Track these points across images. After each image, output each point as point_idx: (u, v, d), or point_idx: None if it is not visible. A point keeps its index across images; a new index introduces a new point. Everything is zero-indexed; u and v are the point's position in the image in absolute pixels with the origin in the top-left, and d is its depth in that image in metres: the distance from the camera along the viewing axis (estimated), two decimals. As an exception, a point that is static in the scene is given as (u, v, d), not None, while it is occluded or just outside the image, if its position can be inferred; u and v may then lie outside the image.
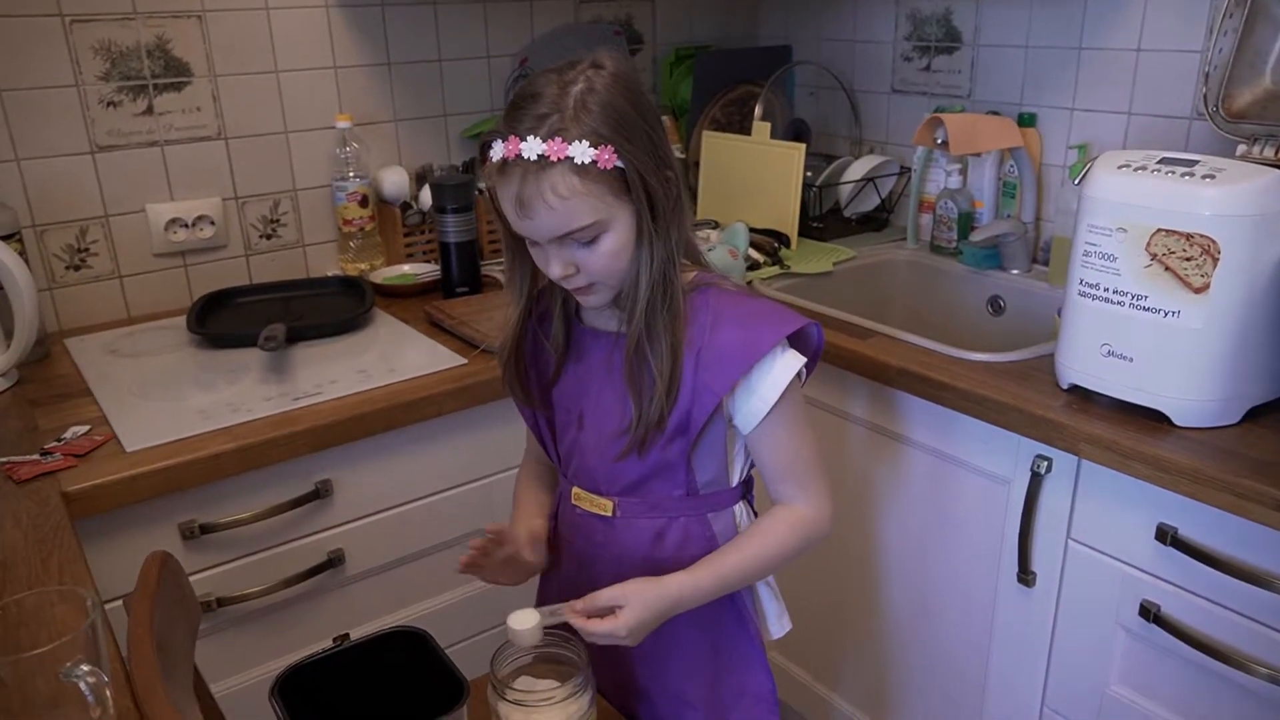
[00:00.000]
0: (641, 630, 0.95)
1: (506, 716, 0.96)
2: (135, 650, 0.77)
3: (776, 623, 1.12)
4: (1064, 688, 1.31)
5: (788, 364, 0.96)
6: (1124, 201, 1.14)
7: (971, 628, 1.42)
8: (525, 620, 0.93)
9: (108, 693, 0.66)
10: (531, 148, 0.85)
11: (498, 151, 0.88)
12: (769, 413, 0.97)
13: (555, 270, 0.93)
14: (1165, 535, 1.13)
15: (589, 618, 0.94)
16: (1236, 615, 1.10)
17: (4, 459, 1.16)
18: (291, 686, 0.88)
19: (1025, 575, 1.31)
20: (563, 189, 0.86)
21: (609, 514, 1.04)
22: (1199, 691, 1.15)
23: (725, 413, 0.99)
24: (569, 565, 1.12)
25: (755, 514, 1.09)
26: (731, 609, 1.05)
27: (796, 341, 1.00)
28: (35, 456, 1.17)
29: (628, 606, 0.93)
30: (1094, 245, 1.17)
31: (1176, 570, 1.14)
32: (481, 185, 1.87)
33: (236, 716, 1.17)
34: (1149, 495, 1.14)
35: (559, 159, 0.85)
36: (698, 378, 0.95)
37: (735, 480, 1.05)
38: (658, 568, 1.00)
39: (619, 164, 0.87)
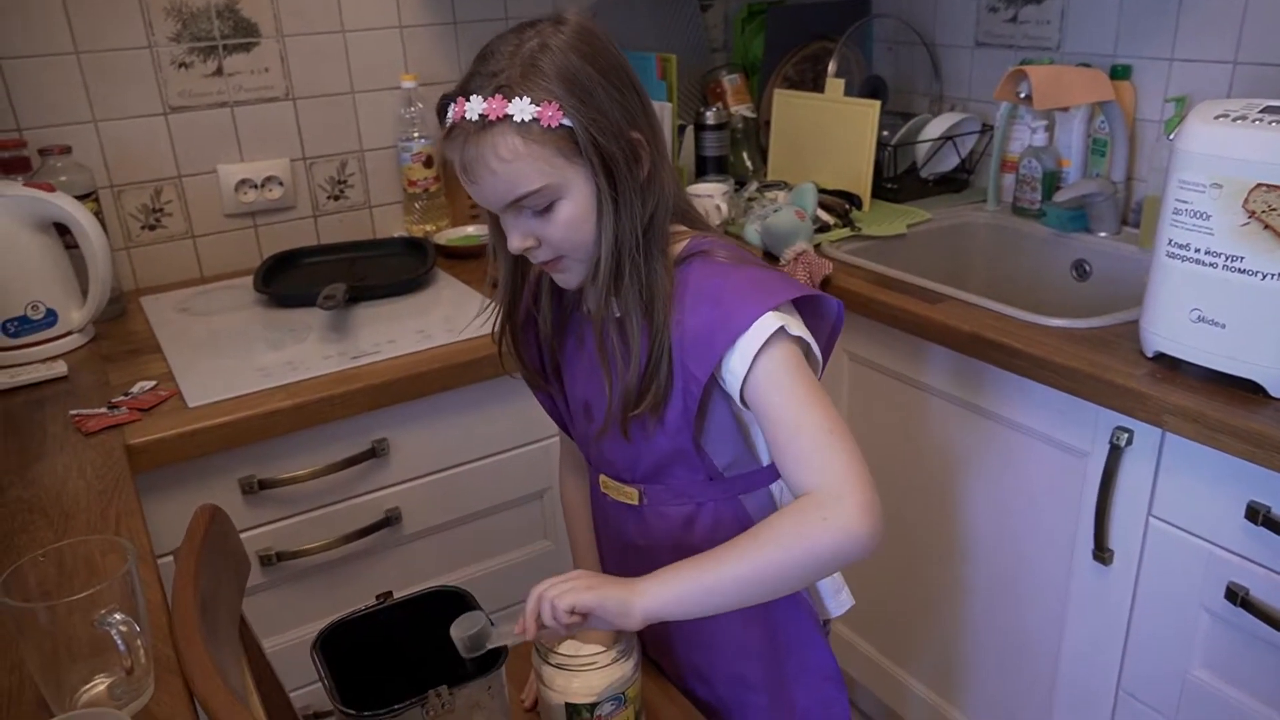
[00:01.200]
0: (591, 587, 0.84)
1: (550, 680, 0.95)
2: (178, 601, 0.78)
3: (834, 599, 1.07)
4: (1141, 670, 1.24)
5: (762, 327, 0.84)
6: (1220, 154, 1.05)
7: (1045, 606, 1.36)
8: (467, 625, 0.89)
9: (139, 643, 0.67)
10: (474, 107, 0.80)
11: (450, 115, 0.83)
12: (746, 384, 0.86)
13: (515, 242, 0.86)
14: (1256, 515, 1.05)
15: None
16: (1333, 602, 1.02)
17: (74, 412, 1.19)
18: (333, 642, 0.88)
19: (1102, 553, 1.24)
20: (504, 150, 0.80)
21: (636, 502, 1.01)
22: (1289, 681, 1.08)
23: (726, 392, 0.91)
24: (607, 553, 1.10)
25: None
26: None
27: (811, 317, 0.92)
28: (103, 410, 1.20)
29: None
30: (1185, 203, 1.09)
31: (1268, 552, 1.06)
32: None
33: (295, 670, 1.20)
34: (1239, 471, 1.06)
35: (498, 118, 0.79)
36: (683, 362, 0.88)
37: (767, 459, 0.97)
38: (689, 555, 0.92)
39: (565, 122, 0.80)
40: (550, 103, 0.80)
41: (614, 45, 0.86)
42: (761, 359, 0.85)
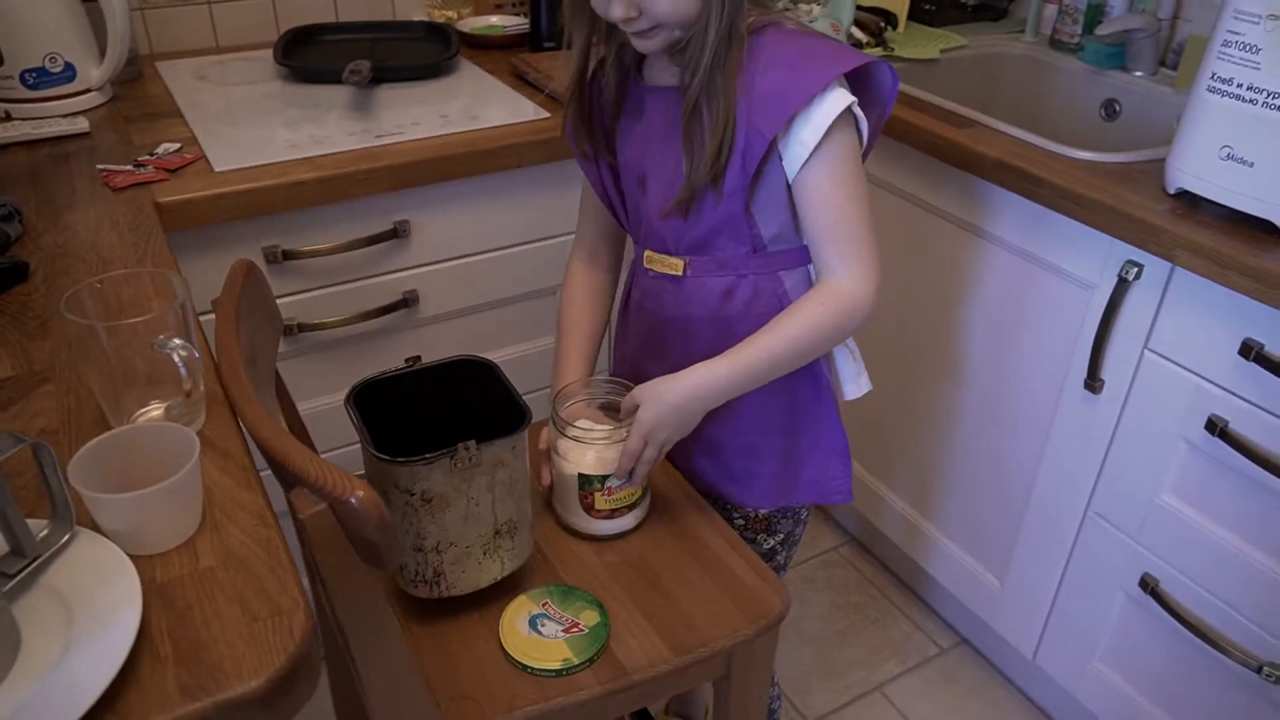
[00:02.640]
0: (664, 424, 0.96)
1: (565, 452, 1.01)
2: (222, 341, 0.81)
3: (853, 383, 1.11)
4: (1112, 492, 1.32)
5: (834, 103, 0.90)
6: (1281, -16, 1.02)
7: (1029, 430, 1.42)
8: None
9: (200, 367, 0.71)
10: None
11: None
12: (809, 158, 0.92)
13: (617, 11, 0.88)
14: (1250, 351, 1.10)
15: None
16: (1307, 436, 1.08)
17: (101, 167, 1.20)
18: (363, 399, 0.93)
19: (1094, 382, 1.29)
20: None
21: (679, 274, 1.04)
22: (1253, 507, 1.15)
23: (781, 161, 0.95)
24: (639, 329, 1.13)
25: None
26: (806, 367, 1.04)
27: (864, 93, 0.95)
28: (129, 167, 1.20)
29: (642, 404, 0.96)
30: (1237, 35, 1.07)
31: (1254, 388, 1.11)
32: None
33: (315, 438, 1.26)
34: (1241, 308, 1.09)
35: None
36: (750, 121, 0.91)
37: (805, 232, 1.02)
38: (726, 325, 1.01)
39: None
40: None
41: None
42: (829, 139, 0.90)
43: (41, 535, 0.62)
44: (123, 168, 1.20)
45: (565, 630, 0.91)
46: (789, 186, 0.96)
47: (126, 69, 1.43)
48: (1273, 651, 1.15)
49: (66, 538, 0.62)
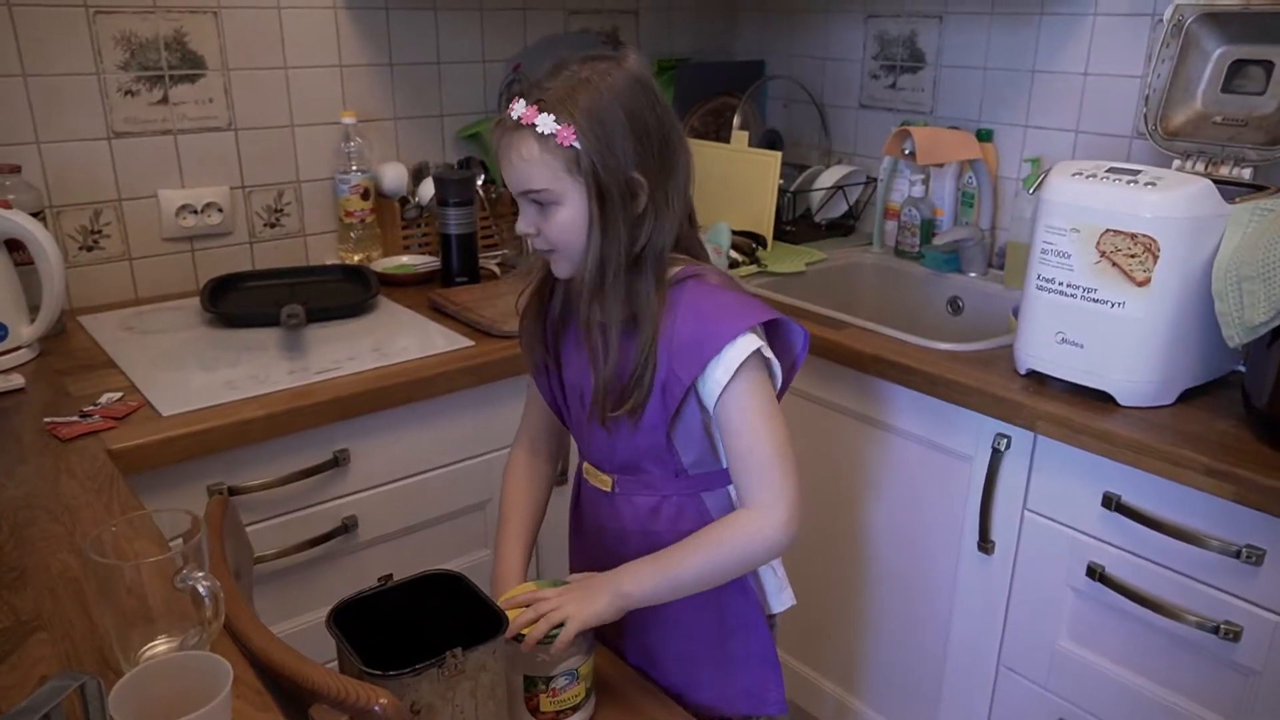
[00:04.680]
0: (564, 600, 1.02)
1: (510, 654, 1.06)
2: (214, 573, 0.85)
3: (775, 597, 1.19)
4: (1018, 646, 1.45)
5: (743, 346, 1.00)
6: (1077, 204, 1.28)
7: (936, 596, 1.55)
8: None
9: (221, 595, 0.75)
10: (517, 109, 0.98)
11: (507, 106, 1.00)
12: (721, 394, 1.01)
13: (521, 225, 1.03)
14: (1111, 502, 1.28)
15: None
16: (1171, 571, 1.24)
17: (48, 419, 1.23)
18: (341, 619, 0.97)
19: (985, 544, 1.44)
20: (524, 150, 0.97)
21: (609, 489, 1.14)
22: (1137, 642, 1.30)
23: (699, 398, 1.05)
24: (583, 531, 1.22)
25: None
26: (736, 581, 1.10)
27: (776, 344, 1.07)
28: (75, 418, 1.24)
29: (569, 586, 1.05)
30: (1050, 244, 1.32)
31: (1120, 534, 1.29)
32: (477, 182, 1.97)
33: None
34: (1097, 467, 1.28)
35: (528, 123, 0.96)
36: (669, 365, 1.02)
37: (725, 461, 1.10)
38: (654, 539, 1.10)
39: (575, 145, 0.95)
40: (569, 126, 0.96)
41: (659, 98, 1.01)
42: (739, 377, 1.01)
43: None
44: (69, 419, 1.23)
45: None
46: (706, 419, 1.06)
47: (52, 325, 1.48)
48: (1182, 775, 1.27)
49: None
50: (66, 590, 0.88)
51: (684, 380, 1.02)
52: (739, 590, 1.13)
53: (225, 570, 0.87)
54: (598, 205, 0.98)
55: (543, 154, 0.97)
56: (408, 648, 0.95)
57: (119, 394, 1.32)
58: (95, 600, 0.77)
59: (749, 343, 1.00)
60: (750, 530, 1.03)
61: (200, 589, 0.73)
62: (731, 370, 1.00)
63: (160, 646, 0.78)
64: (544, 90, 0.97)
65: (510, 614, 1.01)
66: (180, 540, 0.78)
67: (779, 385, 1.08)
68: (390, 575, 1.04)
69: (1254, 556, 1.15)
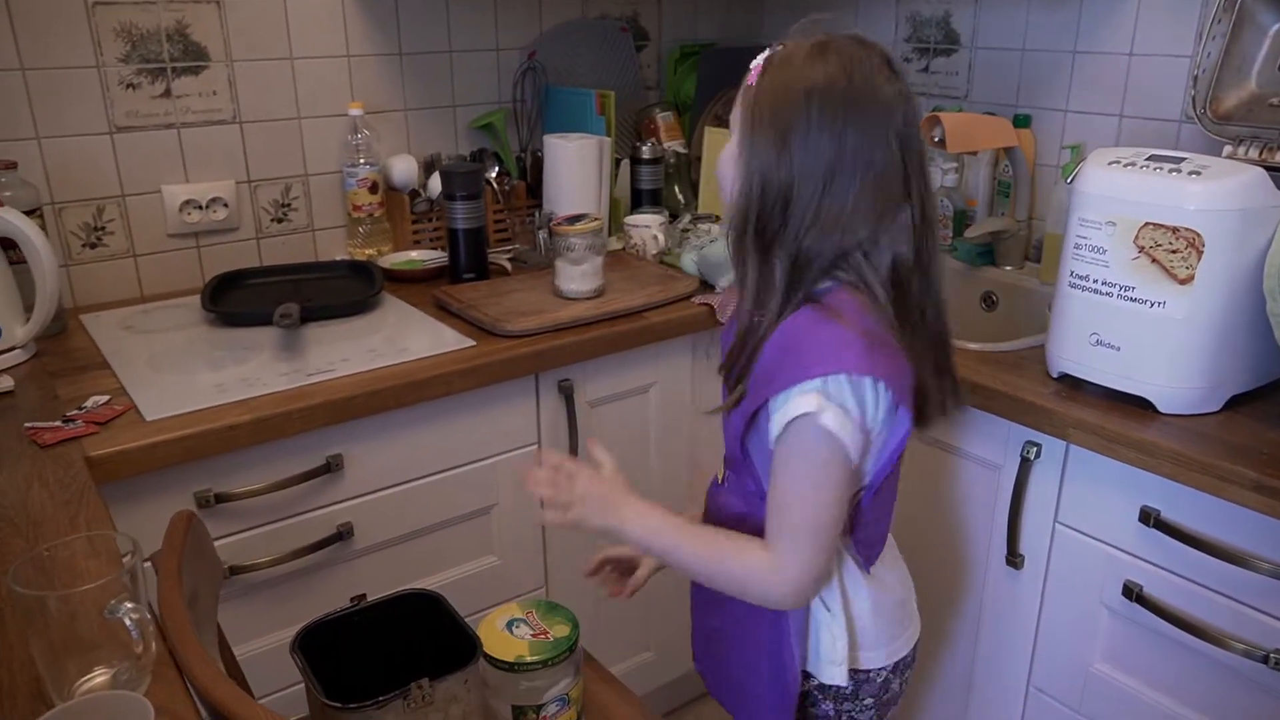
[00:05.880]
0: (597, 512, 0.98)
1: (497, 685, 1.01)
2: (165, 601, 0.81)
3: (828, 668, 1.05)
4: (1049, 667, 1.36)
5: (796, 405, 0.89)
6: (1114, 196, 1.18)
7: (963, 611, 1.47)
8: None
9: (151, 629, 0.70)
10: (758, 59, 0.95)
11: None
12: (777, 441, 0.92)
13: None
14: (1149, 517, 1.18)
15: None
16: (1215, 594, 1.14)
17: (28, 424, 1.20)
18: (310, 642, 0.92)
19: (1014, 558, 1.35)
20: (747, 83, 0.94)
21: (720, 480, 1.10)
22: (1178, 668, 1.20)
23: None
24: (705, 516, 1.14)
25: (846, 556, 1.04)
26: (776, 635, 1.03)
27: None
28: (57, 423, 1.20)
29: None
30: (1085, 238, 1.22)
31: (1159, 551, 1.19)
32: (489, 175, 1.91)
33: (252, 683, 1.21)
34: (1134, 479, 1.18)
35: (753, 78, 0.93)
36: (753, 379, 0.95)
37: None
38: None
39: (752, 99, 0.92)
40: (761, 103, 0.90)
41: (868, 121, 0.90)
42: (787, 435, 0.91)
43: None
44: (50, 424, 1.20)
45: (534, 635, 1.04)
46: None
47: (50, 324, 1.45)
48: (1226, 814, 1.17)
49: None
50: (13, 614, 0.83)
51: (751, 405, 0.94)
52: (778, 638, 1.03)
53: (178, 595, 0.82)
54: (745, 157, 0.92)
55: (745, 96, 0.94)
56: (380, 672, 0.89)
57: (106, 397, 1.28)
58: (25, 632, 0.72)
59: (802, 404, 0.88)
60: (756, 569, 0.94)
61: (127, 622, 0.68)
62: (781, 426, 0.90)
63: (99, 678, 0.73)
64: (772, 61, 0.94)
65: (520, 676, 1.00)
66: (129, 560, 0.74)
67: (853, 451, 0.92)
68: (364, 595, 0.98)
69: (1307, 582, 1.05)
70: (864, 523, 1.00)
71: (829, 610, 1.02)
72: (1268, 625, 1.10)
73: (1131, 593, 1.21)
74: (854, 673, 1.05)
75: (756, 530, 0.97)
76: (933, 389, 0.98)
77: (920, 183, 0.93)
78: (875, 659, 1.06)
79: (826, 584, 1.01)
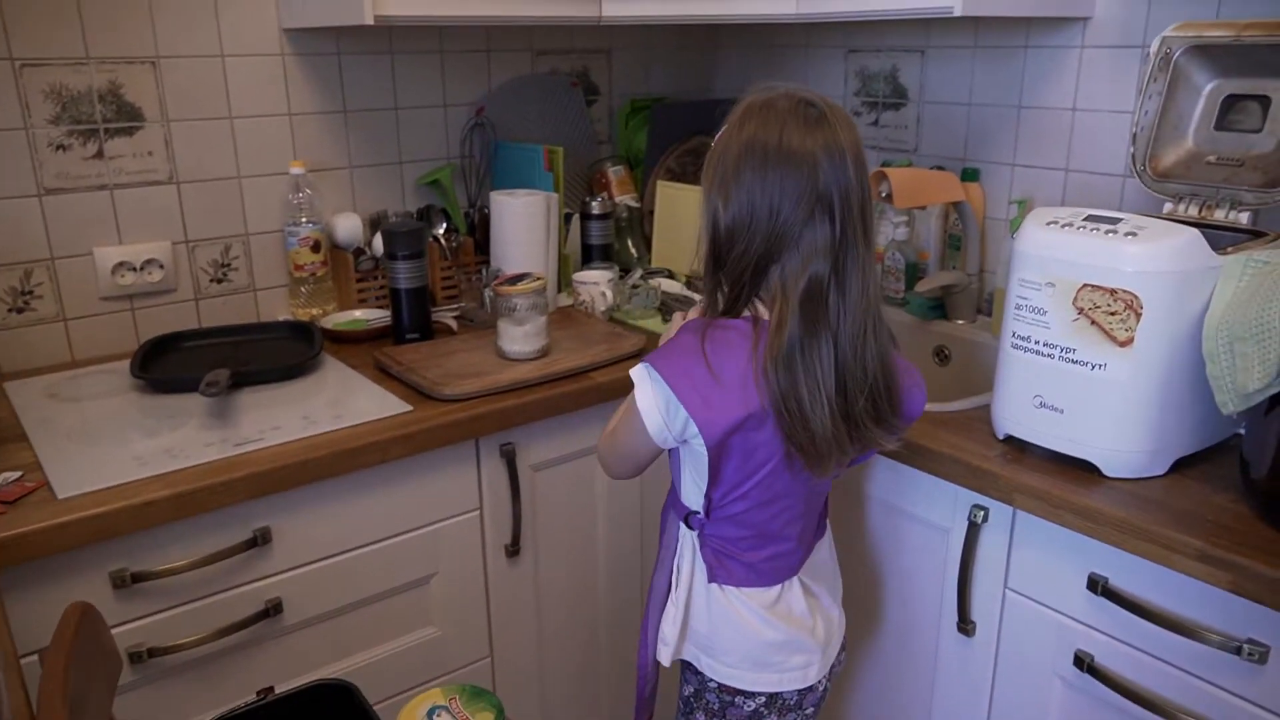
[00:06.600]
0: None
1: None
2: (45, 706, 0.75)
3: (663, 646, 1.23)
4: (1004, 738, 1.31)
5: (637, 373, 1.12)
6: (1052, 256, 1.17)
7: (916, 679, 1.42)
8: None
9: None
10: None
11: None
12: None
13: None
14: (1096, 585, 1.15)
15: None
16: (1166, 665, 1.11)
17: (-70, 506, 1.14)
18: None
19: (965, 625, 1.31)
20: None
21: None
22: (1132, 741, 1.16)
23: None
24: None
25: (699, 548, 1.19)
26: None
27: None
28: (-37, 503, 1.15)
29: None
30: (1025, 299, 1.20)
31: (1108, 620, 1.16)
32: (437, 232, 1.88)
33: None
34: (1080, 545, 1.15)
35: None
36: None
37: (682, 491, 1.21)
38: None
39: (709, 155, 1.14)
40: (711, 159, 1.12)
41: (788, 169, 1.06)
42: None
43: None
44: (-44, 504, 1.14)
45: None
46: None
47: (-29, 394, 1.40)
48: None
49: None
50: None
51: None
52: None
53: (61, 699, 0.76)
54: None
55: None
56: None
57: (18, 473, 1.23)
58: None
59: (638, 374, 1.11)
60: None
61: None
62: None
63: (-41, 800, 0.68)
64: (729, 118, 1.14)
65: None
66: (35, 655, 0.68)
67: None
68: (271, 688, 0.93)
69: (1256, 654, 1.02)
70: (715, 521, 1.15)
71: (675, 586, 1.21)
72: (1219, 699, 1.07)
73: (1083, 663, 1.18)
74: (724, 689, 1.20)
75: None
76: (820, 431, 1.04)
77: (850, 221, 1.05)
78: (718, 671, 1.19)
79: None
